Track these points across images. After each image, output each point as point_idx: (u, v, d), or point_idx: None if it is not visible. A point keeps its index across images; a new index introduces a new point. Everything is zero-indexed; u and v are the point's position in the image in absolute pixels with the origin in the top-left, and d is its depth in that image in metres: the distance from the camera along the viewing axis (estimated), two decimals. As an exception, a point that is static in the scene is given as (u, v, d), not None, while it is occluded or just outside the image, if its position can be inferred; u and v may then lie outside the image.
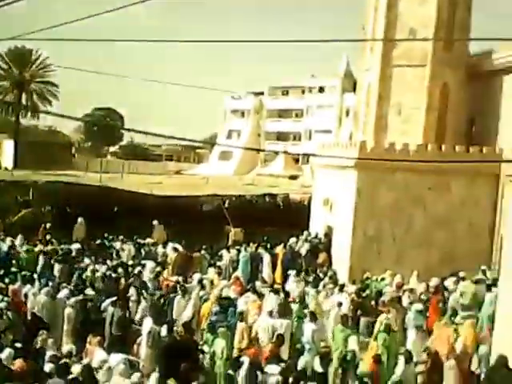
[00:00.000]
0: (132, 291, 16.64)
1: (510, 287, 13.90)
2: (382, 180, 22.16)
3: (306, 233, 26.12)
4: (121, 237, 24.80)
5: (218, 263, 22.26)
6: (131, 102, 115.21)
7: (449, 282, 18.77)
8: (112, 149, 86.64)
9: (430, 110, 23.86)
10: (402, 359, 11.90)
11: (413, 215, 22.17)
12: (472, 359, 13.83)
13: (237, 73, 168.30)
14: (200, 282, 17.84)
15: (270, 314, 14.52)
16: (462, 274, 18.91)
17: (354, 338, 14.74)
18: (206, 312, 15.21)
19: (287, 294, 17.45)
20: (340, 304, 16.30)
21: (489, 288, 17.15)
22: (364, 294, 18.98)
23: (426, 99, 23.87)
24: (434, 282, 18.95)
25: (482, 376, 12.22)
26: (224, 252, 23.26)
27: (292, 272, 20.79)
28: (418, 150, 21.98)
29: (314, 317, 14.79)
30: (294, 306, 16.33)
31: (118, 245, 24.07)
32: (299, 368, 12.01)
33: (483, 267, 19.81)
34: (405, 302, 17.67)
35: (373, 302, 18.47)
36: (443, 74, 23.89)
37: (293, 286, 19.28)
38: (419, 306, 15.99)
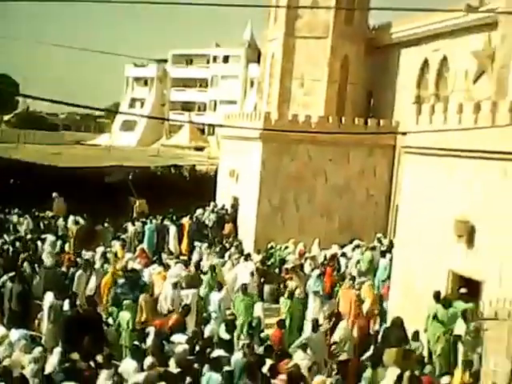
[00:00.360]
0: (25, 265, 16.26)
1: (404, 253, 14.83)
2: (285, 151, 22.64)
3: (212, 204, 26.40)
4: (16, 210, 24.08)
5: (123, 236, 22.13)
6: (25, 67, 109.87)
7: (347, 249, 19.65)
8: (6, 117, 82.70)
9: (330, 82, 24.43)
10: (309, 326, 12.36)
11: (315, 185, 22.85)
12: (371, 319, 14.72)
13: (140, 39, 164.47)
14: (103, 255, 17.71)
15: (175, 285, 14.67)
16: (356, 242, 19.81)
17: (259, 305, 15.27)
18: (107, 284, 15.16)
19: (198, 265, 17.68)
20: (243, 273, 16.74)
21: (383, 254, 18.13)
22: (268, 263, 19.59)
23: (327, 72, 24.41)
24: (331, 249, 19.82)
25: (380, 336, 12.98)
26: (129, 224, 23.12)
27: (198, 243, 21.05)
28: (320, 122, 22.52)
29: (220, 286, 15.13)
30: (205, 277, 16.61)
31: (14, 218, 23.37)
32: (206, 336, 12.28)
33: (379, 235, 20.88)
34: (307, 269, 18.38)
35: (277, 270, 19.14)
36: (344, 46, 24.48)
37: (199, 256, 19.53)
38: (317, 272, 16.66)
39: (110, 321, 13.62)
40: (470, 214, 12.50)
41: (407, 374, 10.01)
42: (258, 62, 38.50)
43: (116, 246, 19.93)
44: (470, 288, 12.44)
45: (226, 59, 65.62)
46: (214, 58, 66.68)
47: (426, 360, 11.68)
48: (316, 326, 12.04)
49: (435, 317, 12.38)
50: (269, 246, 21.13)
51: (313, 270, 17.93)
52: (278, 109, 24.70)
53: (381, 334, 12.96)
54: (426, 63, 22.12)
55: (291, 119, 22.73)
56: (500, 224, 11.83)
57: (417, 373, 10.32)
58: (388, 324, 13.35)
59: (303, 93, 24.88)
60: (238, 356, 10.70)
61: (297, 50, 24.86)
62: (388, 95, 24.31)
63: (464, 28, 19.96)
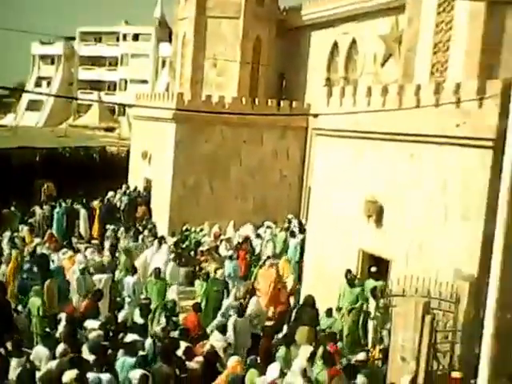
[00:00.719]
0: None
1: (316, 234, 15.18)
2: (199, 132, 22.48)
3: (124, 186, 26.00)
4: None
5: (30, 220, 21.41)
6: None
7: (262, 230, 19.88)
8: None
9: (243, 63, 24.46)
10: (233, 313, 12.40)
11: (229, 167, 22.88)
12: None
13: (46, 15, 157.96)
14: (11, 240, 17.10)
15: (83, 270, 14.33)
16: (267, 223, 20.06)
17: (173, 288, 15.28)
18: (12, 270, 14.68)
19: (113, 250, 17.35)
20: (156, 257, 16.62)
21: (293, 235, 18.46)
22: (183, 245, 19.54)
23: (239, 53, 24.40)
24: (245, 230, 20.02)
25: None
26: (36, 208, 22.36)
27: (110, 227, 20.66)
28: (233, 103, 22.55)
29: (134, 270, 14.97)
30: (120, 261, 16.35)
31: None
32: (119, 321, 12.13)
33: (289, 216, 21.20)
34: (222, 250, 18.48)
35: (192, 253, 19.12)
36: (255, 27, 24.53)
37: (112, 240, 19.19)
38: (230, 253, 16.91)
39: (20, 308, 13.20)
40: (379, 194, 12.91)
41: (320, 350, 10.31)
42: (170, 40, 37.97)
43: (24, 230, 19.29)
44: (381, 266, 12.90)
45: (136, 37, 64.30)
46: (124, 36, 65.20)
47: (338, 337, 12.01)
48: (240, 310, 11.98)
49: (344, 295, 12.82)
50: (184, 228, 21.06)
51: (228, 251, 18.08)
52: (190, 89, 24.52)
53: (294, 312, 13.25)
54: (335, 46, 22.51)
55: (204, 100, 22.60)
56: (406, 204, 12.30)
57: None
58: (301, 302, 13.64)
59: (216, 73, 24.80)
60: (151, 340, 10.59)
61: (209, 29, 24.69)
62: (300, 77, 24.59)
63: (372, 11, 20.44)
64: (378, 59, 18.70)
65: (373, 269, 12.92)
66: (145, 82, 60.30)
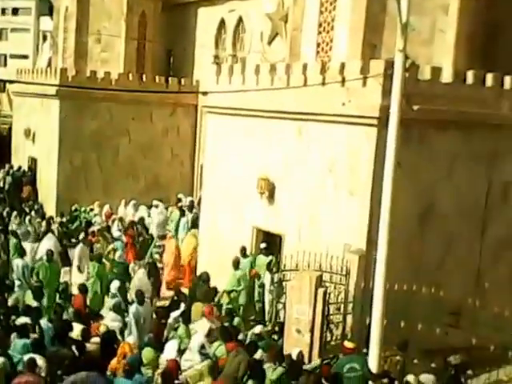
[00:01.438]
0: None
1: (210, 211, 15.13)
2: (86, 109, 21.62)
3: (7, 166, 24.79)
4: None
5: None
6: None
7: (152, 210, 19.56)
8: None
9: (128, 39, 23.75)
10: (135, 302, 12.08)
11: (118, 145, 22.23)
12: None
13: None
14: None
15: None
16: (155, 203, 19.78)
17: (65, 270, 14.92)
18: None
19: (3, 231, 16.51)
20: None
21: (183, 213, 18.26)
22: (73, 226, 18.90)
23: (124, 28, 23.68)
24: (138, 213, 19.68)
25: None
26: None
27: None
28: (120, 80, 21.86)
29: (23, 252, 14.62)
30: (12, 241, 15.75)
31: None
32: (10, 304, 11.60)
33: (179, 195, 20.92)
34: (114, 231, 18.02)
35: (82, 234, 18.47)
36: (140, 2, 23.78)
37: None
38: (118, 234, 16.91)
39: None
40: (270, 171, 13.02)
41: (217, 325, 10.32)
42: (51, 14, 36.11)
43: None
44: (274, 242, 13.03)
45: (15, 11, 60.99)
46: (3, 10, 61.70)
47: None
48: (141, 298, 11.54)
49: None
50: (73, 208, 20.43)
51: (120, 231, 17.68)
52: (74, 65, 23.48)
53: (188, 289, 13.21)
54: (222, 23, 22.29)
55: (89, 76, 21.73)
56: (297, 181, 12.48)
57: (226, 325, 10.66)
58: (195, 279, 13.59)
59: (101, 49, 23.91)
60: (44, 322, 10.30)
61: (92, 4, 23.70)
62: (188, 54, 24.19)
63: (259, -11, 20.34)
64: (265, 38, 18.69)
65: (262, 245, 13.03)
66: (26, 57, 57.40)
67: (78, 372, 8.04)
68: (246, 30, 20.97)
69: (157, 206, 19.40)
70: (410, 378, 8.69)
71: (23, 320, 10.13)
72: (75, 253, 15.33)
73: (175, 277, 15.41)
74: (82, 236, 16.93)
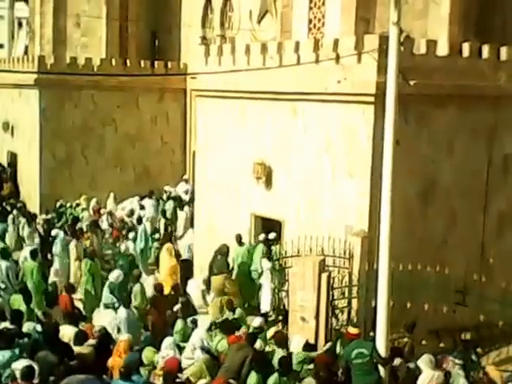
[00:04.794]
0: None
1: (205, 199, 15.40)
2: (67, 98, 21.63)
3: (-16, 162, 24.83)
4: None
5: None
6: None
7: (145, 201, 19.82)
8: None
9: (110, 21, 23.72)
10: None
11: (104, 135, 22.24)
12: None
13: None
14: None
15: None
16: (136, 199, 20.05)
17: (55, 270, 15.12)
18: None
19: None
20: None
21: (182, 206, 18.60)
22: (59, 223, 18.98)
23: (104, 9, 23.69)
24: (129, 204, 19.92)
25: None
26: None
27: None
28: (102, 65, 21.79)
29: (7, 253, 14.59)
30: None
31: None
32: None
33: (166, 187, 21.15)
34: (104, 225, 18.26)
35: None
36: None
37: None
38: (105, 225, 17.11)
39: None
40: (266, 155, 13.30)
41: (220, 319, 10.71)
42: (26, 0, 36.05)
43: None
44: (274, 228, 13.36)
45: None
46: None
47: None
48: (127, 303, 11.85)
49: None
50: (58, 204, 20.43)
51: (111, 225, 17.91)
52: (53, 51, 23.53)
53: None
54: (209, 2, 22.32)
55: (69, 62, 21.66)
56: (294, 164, 12.79)
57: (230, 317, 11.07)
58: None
59: (81, 33, 23.97)
60: (29, 326, 10.35)
61: (70, -15, 23.73)
62: (173, 35, 24.09)
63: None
64: (255, 16, 18.83)
65: (271, 235, 13.34)
66: (0, 46, 56.95)
67: (71, 376, 8.11)
68: (234, 9, 21.03)
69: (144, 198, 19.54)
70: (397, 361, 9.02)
71: (5, 325, 10.03)
72: (70, 250, 15.44)
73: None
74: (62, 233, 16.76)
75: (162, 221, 18.02)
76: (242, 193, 13.97)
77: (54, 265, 15.34)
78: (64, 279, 14.86)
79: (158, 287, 12.71)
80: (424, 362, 8.99)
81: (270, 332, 10.10)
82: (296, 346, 9.74)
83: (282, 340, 9.73)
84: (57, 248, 15.54)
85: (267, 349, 9.71)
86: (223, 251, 13.47)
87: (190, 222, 17.35)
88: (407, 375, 8.91)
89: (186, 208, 18.34)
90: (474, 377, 9.09)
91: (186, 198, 19.95)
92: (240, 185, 13.96)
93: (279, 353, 9.32)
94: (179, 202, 18.65)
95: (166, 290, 13.04)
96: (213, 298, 12.81)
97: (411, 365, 9.09)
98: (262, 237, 13.47)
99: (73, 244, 15.42)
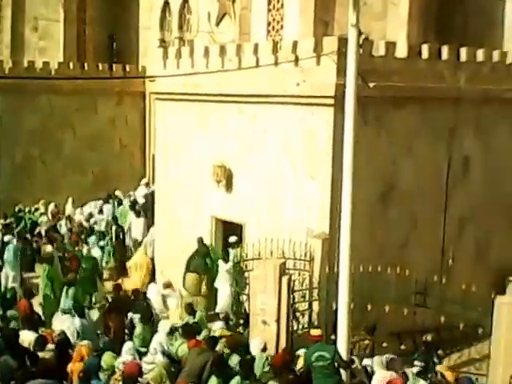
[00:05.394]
0: None
1: (166, 202, 15.14)
2: (25, 103, 21.30)
3: None
4: None
5: None
6: None
7: (105, 207, 19.44)
8: None
9: (68, 24, 23.45)
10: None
11: (62, 139, 22.00)
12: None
13: None
14: None
15: None
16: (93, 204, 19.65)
17: (10, 275, 14.79)
18: None
19: None
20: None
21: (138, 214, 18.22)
22: (18, 229, 18.58)
23: (62, 13, 23.36)
24: (87, 208, 19.54)
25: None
26: None
27: None
28: (60, 69, 21.56)
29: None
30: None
31: None
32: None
33: (117, 192, 20.76)
34: (63, 230, 17.90)
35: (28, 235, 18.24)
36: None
37: None
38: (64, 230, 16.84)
39: None
40: (227, 158, 13.09)
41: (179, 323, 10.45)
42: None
43: None
44: (235, 231, 13.17)
45: None
46: None
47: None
48: (82, 312, 11.45)
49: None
50: (16, 209, 20.09)
51: (70, 230, 17.56)
52: (11, 56, 23.07)
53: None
54: (167, 4, 22.14)
55: (27, 66, 21.43)
56: (255, 167, 12.60)
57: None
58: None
59: (38, 37, 23.55)
60: None
61: (28, -10, 23.35)
62: (132, 38, 23.99)
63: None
64: (213, 18, 18.67)
65: (232, 238, 13.09)
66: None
67: (31, 380, 7.92)
68: (192, 11, 20.90)
69: (107, 202, 19.22)
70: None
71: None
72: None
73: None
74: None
75: (114, 227, 17.66)
76: (203, 196, 13.76)
77: (4, 271, 14.97)
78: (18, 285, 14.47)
79: (117, 288, 12.50)
80: (376, 363, 8.92)
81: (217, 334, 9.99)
82: (255, 348, 9.54)
83: (234, 344, 9.52)
84: (8, 254, 15.11)
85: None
86: (203, 251, 13.20)
87: (148, 228, 17.00)
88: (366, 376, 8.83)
89: (143, 214, 17.91)
90: (431, 379, 8.98)
91: (143, 202, 19.50)
92: (200, 188, 13.75)
93: (234, 357, 9.10)
94: (133, 207, 18.19)
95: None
96: (178, 301, 12.62)
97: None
98: (232, 239, 13.22)
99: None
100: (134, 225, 17.27)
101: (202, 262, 13.12)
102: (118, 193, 20.53)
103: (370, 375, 8.82)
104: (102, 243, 16.49)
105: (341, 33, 10.83)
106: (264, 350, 9.48)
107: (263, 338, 9.77)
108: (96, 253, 15.95)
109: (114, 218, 18.37)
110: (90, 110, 22.31)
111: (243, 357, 9.01)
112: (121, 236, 17.03)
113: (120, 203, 19.40)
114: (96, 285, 13.80)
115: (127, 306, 12.25)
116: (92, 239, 16.70)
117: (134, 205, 18.25)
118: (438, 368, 9.17)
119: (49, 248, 15.43)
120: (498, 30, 13.93)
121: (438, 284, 9.95)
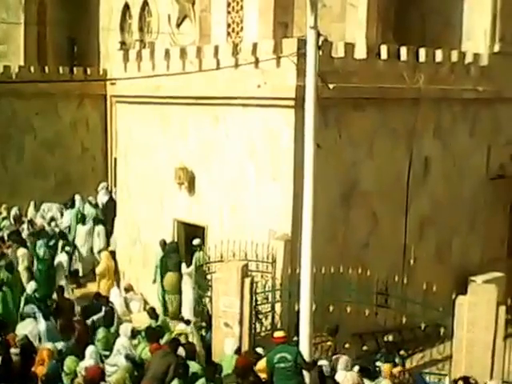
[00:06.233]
0: None
1: (127, 206, 14.89)
2: (-15, 107, 20.78)
3: None
4: None
5: None
6: None
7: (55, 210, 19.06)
8: None
9: (28, 27, 22.95)
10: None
11: (23, 142, 21.53)
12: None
13: None
14: None
15: None
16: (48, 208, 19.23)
17: None
18: None
19: None
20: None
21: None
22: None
23: (22, 17, 22.87)
24: (51, 211, 19.11)
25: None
26: None
27: None
28: (21, 72, 21.10)
29: None
30: None
31: None
32: None
33: (77, 196, 20.25)
34: (25, 234, 17.46)
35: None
36: (39, -12, 23.11)
37: None
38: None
39: None
40: (188, 161, 12.88)
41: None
42: None
43: None
44: (197, 233, 12.93)
45: None
46: None
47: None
48: (48, 315, 11.22)
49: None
50: (-23, 214, 19.52)
51: (31, 234, 17.11)
52: (-30, 61, 22.44)
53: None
54: (126, 7, 21.83)
55: (-10, 71, 20.85)
56: (217, 169, 12.41)
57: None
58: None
59: (-1, 41, 23.01)
60: None
61: (-13, -6, 22.76)
62: (92, 41, 23.61)
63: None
64: (173, 20, 18.43)
65: (195, 241, 12.80)
66: None
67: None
68: (153, 13, 20.65)
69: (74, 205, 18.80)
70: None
71: None
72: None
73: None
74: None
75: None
76: (165, 198, 13.53)
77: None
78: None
79: (60, 290, 12.44)
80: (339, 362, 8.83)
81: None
82: (228, 349, 9.37)
83: (189, 352, 9.32)
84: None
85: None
86: (174, 248, 12.98)
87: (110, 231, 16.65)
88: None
89: (91, 222, 17.43)
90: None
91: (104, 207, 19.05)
92: (163, 191, 13.52)
93: (192, 365, 8.89)
94: (81, 214, 17.75)
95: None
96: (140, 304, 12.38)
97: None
98: (196, 242, 12.95)
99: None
100: (79, 232, 16.90)
101: (178, 259, 12.93)
102: (77, 197, 19.99)
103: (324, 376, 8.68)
104: (67, 248, 16.10)
105: (300, 34, 10.67)
106: (238, 351, 9.30)
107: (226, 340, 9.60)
108: (62, 257, 15.59)
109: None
110: (51, 114, 21.84)
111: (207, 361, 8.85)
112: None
113: (67, 208, 18.94)
114: (52, 287, 13.45)
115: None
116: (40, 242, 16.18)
117: (83, 215, 17.74)
118: (378, 363, 9.14)
119: (21, 251, 14.98)
120: (456, 30, 13.96)
121: (399, 284, 9.88)
